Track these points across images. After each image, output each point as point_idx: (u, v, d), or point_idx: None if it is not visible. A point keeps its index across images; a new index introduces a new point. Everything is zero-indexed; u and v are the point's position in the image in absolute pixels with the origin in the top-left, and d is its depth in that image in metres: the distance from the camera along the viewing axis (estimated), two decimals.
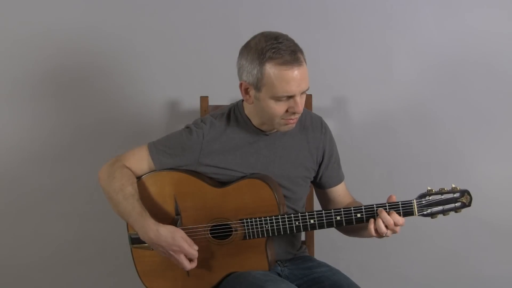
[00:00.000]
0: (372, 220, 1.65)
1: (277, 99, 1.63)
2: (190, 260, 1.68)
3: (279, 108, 1.64)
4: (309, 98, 2.18)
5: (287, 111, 1.65)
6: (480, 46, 2.35)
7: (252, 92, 1.66)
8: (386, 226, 1.63)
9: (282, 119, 1.67)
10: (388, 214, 1.63)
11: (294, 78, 1.60)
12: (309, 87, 1.65)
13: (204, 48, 2.37)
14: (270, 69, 1.60)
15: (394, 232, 1.65)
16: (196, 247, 1.68)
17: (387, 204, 1.65)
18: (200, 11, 2.35)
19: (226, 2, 2.35)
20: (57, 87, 2.38)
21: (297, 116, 1.68)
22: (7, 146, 2.41)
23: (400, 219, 1.63)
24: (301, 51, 1.64)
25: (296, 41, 1.68)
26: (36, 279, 2.48)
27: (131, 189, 1.71)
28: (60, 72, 2.37)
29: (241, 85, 1.69)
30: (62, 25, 2.35)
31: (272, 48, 1.60)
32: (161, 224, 1.67)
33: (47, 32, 2.35)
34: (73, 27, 2.35)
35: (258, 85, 1.63)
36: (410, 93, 2.39)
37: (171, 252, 1.66)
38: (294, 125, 1.71)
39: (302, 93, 1.64)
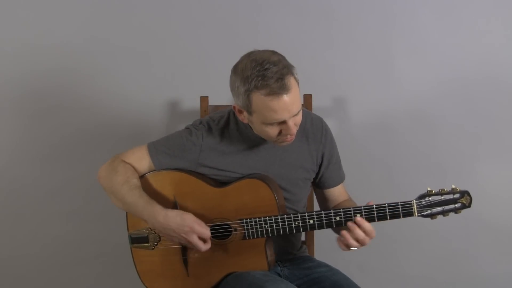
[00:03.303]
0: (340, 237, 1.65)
1: (269, 124, 1.62)
2: (204, 241, 1.67)
3: (272, 131, 1.63)
4: (309, 98, 2.18)
5: (281, 132, 1.64)
6: (479, 46, 2.35)
7: (245, 114, 1.66)
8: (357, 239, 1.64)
9: (278, 138, 1.66)
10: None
11: (283, 106, 1.57)
12: (301, 107, 1.63)
13: (204, 48, 2.37)
14: (257, 99, 1.57)
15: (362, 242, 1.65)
16: (208, 228, 1.66)
17: (386, 205, 1.64)
18: (200, 11, 2.35)
19: (225, 2, 2.35)
20: (57, 88, 2.39)
21: (293, 135, 1.67)
22: (6, 146, 2.41)
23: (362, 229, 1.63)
24: (290, 72, 1.59)
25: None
26: (36, 279, 2.48)
27: (136, 181, 1.71)
28: (60, 73, 2.38)
29: (234, 107, 1.68)
30: (62, 26, 2.35)
31: (258, 76, 1.55)
32: (169, 209, 1.67)
33: (47, 32, 2.35)
34: (73, 28, 2.35)
35: (248, 110, 1.62)
36: (410, 93, 2.39)
37: (183, 235, 1.64)
38: (292, 141, 1.69)
39: (295, 115, 1.62)
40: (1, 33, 2.35)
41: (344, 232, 1.63)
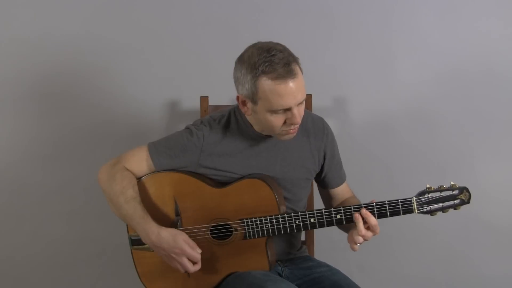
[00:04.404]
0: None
1: (274, 112, 1.62)
2: (194, 262, 1.67)
3: (276, 120, 1.63)
4: (309, 98, 2.18)
5: (285, 122, 1.64)
6: (479, 46, 2.35)
7: (249, 104, 1.66)
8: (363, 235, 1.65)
9: (282, 130, 1.67)
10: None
11: (289, 91, 1.58)
12: (305, 97, 1.64)
13: (204, 48, 2.37)
14: (264, 83, 1.58)
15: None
16: (199, 250, 1.66)
17: (386, 202, 1.65)
18: (200, 11, 2.36)
19: (225, 2, 2.35)
20: (57, 87, 2.39)
21: (297, 126, 1.67)
22: (7, 146, 2.41)
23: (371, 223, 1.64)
24: (295, 60, 1.61)
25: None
26: (36, 279, 2.48)
27: (132, 191, 1.70)
28: (60, 72, 2.38)
29: (238, 98, 1.68)
30: (62, 26, 2.35)
31: (265, 61, 1.57)
32: (163, 227, 1.67)
33: (47, 32, 2.35)
34: (73, 28, 2.35)
35: (254, 98, 1.62)
36: (410, 93, 2.39)
37: (173, 255, 1.65)
38: (294, 134, 1.70)
39: (300, 103, 1.62)
40: (1, 32, 2.35)
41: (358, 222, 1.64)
